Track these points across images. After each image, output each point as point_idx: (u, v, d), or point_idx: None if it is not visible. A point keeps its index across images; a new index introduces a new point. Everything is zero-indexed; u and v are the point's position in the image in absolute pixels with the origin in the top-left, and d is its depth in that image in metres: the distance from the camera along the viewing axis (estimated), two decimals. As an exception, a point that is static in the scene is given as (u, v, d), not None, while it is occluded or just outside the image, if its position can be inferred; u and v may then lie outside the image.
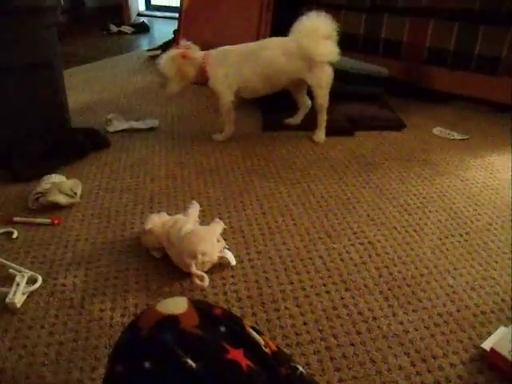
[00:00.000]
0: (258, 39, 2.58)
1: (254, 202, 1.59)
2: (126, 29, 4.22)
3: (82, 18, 4.41)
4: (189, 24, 2.76)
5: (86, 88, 2.74)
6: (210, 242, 1.23)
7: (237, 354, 0.57)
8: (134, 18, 4.67)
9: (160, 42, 3.50)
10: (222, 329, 0.60)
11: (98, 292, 1.19)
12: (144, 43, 3.98)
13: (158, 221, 1.31)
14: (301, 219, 1.49)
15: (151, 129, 2.15)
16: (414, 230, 1.44)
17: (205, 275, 1.19)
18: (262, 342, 0.62)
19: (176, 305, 0.61)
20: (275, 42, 1.94)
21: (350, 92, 2.32)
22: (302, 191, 1.65)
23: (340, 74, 2.23)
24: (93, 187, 1.67)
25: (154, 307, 0.61)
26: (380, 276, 1.25)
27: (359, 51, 2.63)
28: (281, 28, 2.62)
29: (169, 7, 4.98)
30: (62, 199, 1.52)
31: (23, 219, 1.49)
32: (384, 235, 1.42)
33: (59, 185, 1.55)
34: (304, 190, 1.66)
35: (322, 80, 1.92)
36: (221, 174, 1.77)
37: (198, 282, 1.17)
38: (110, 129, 2.10)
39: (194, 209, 1.40)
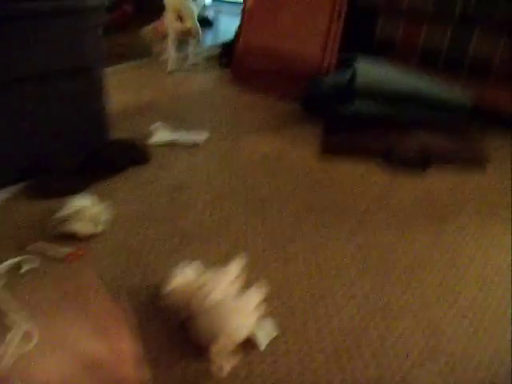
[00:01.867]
0: (325, 48, 2.34)
1: (300, 254, 1.34)
2: (189, 22, 4.03)
3: (146, 9, 4.27)
4: (251, 26, 2.53)
5: (137, 87, 2.58)
6: (238, 319, 1.01)
7: None
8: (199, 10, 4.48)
9: (223, 38, 3.29)
10: None
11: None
12: (206, 39, 3.79)
13: (182, 280, 1.10)
14: (355, 284, 1.24)
15: (197, 144, 1.95)
16: (489, 320, 1.15)
17: (225, 364, 0.97)
18: None
19: None
20: None
21: (426, 119, 2.02)
22: (358, 246, 1.39)
23: (418, 99, 1.96)
24: (120, 213, 1.49)
25: None
26: (444, 381, 0.99)
27: (439, 70, 2.30)
28: (352, 40, 2.37)
29: (236, 2, 4.76)
30: (81, 229, 1.35)
31: (36, 248, 1.33)
32: (451, 323, 1.14)
33: (82, 211, 1.38)
34: (360, 245, 1.39)
35: None
36: (267, 212, 1.53)
37: (215, 369, 0.96)
38: (152, 140, 1.92)
39: (234, 267, 1.16)
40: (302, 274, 1.27)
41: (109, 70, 1.83)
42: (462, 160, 1.87)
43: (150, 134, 1.94)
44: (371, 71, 1.98)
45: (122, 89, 2.50)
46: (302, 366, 1.01)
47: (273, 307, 1.14)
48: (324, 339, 1.07)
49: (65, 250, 1.31)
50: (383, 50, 2.42)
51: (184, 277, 1.11)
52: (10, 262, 1.27)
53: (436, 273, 1.30)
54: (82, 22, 1.49)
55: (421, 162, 1.83)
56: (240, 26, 2.61)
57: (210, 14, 4.22)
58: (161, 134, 1.94)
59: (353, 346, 1.06)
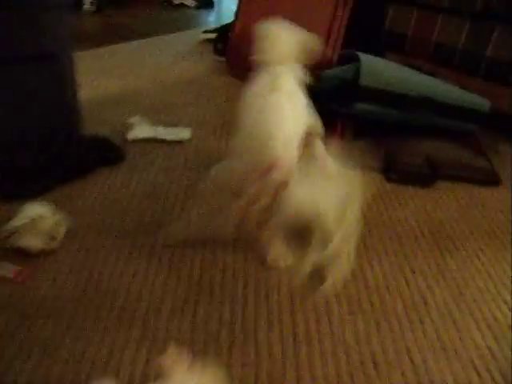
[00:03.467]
0: (328, 38, 2.13)
1: (283, 290, 1.17)
2: (189, 2, 3.81)
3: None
4: (248, 10, 2.32)
5: (122, 72, 2.37)
6: None
7: None
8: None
9: (226, 20, 3.07)
10: None
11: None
12: (207, 20, 3.58)
13: None
14: (342, 328, 1.06)
15: (179, 141, 1.76)
16: (501, 375, 0.98)
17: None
18: None
19: None
20: None
21: (435, 127, 1.82)
22: (351, 277, 1.21)
23: (426, 103, 1.76)
24: (82, 224, 1.31)
25: None
26: None
27: (454, 69, 2.10)
28: (358, 33, 2.15)
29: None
30: (35, 245, 1.18)
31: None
32: (456, 380, 0.97)
33: (37, 223, 1.20)
34: (354, 275, 1.21)
35: None
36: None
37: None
38: (130, 136, 1.73)
39: None
40: (283, 314, 1.10)
41: (95, 52, 1.63)
42: (473, 175, 1.68)
43: (127, 129, 1.75)
44: (377, 69, 1.78)
45: (106, 74, 2.30)
46: None
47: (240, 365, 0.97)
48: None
49: (10, 272, 1.14)
50: (391, 47, 2.22)
51: None
52: None
53: (437, 310, 1.13)
54: (42, 1, 1.29)
55: (426, 177, 1.64)
56: (237, 10, 2.39)
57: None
58: (140, 129, 1.75)
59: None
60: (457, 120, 1.81)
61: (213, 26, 3.18)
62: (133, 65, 2.50)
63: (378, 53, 2.01)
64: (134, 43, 2.84)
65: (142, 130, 1.75)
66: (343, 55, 2.03)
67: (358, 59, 1.78)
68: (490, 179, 1.68)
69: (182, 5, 3.83)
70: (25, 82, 1.39)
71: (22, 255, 1.18)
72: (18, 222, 1.21)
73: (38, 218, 1.22)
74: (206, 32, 2.96)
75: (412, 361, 1.00)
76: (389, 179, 1.64)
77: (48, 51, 1.38)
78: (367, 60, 1.77)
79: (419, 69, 1.95)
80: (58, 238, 1.22)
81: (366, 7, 2.16)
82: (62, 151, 1.47)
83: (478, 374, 0.98)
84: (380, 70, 1.78)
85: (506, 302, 1.17)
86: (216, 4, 3.98)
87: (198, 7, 3.84)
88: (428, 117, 1.77)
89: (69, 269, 1.17)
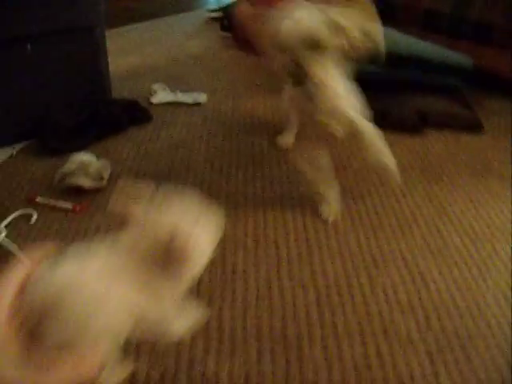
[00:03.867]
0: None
1: (297, 208, 1.40)
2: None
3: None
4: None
5: (137, 50, 2.58)
6: None
7: None
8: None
9: (226, 1, 3.27)
10: None
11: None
12: (209, 1, 3.76)
13: None
14: (346, 237, 1.29)
15: (198, 104, 1.98)
16: (478, 269, 1.21)
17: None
18: None
19: None
20: None
21: (424, 82, 2.03)
22: (352, 200, 1.44)
23: (415, 61, 1.97)
24: (123, 169, 1.54)
25: None
26: (427, 324, 1.05)
27: (443, 33, 2.30)
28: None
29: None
30: (87, 183, 1.40)
31: (46, 201, 1.39)
32: (441, 271, 1.20)
33: (86, 166, 1.43)
34: (355, 199, 1.44)
35: None
36: (264, 168, 1.58)
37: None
38: (154, 100, 1.95)
39: None
40: (297, 227, 1.33)
41: (108, 33, 1.84)
42: (458, 122, 1.90)
43: (151, 94, 1.98)
44: (370, 33, 1.99)
45: (123, 52, 2.51)
46: (284, 318, 1.08)
47: (263, 262, 1.21)
48: (308, 293, 1.12)
49: (69, 205, 1.37)
50: (383, 16, 2.41)
51: None
52: (20, 211, 1.33)
53: (427, 225, 1.35)
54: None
55: (417, 124, 1.86)
56: (242, -14, 2.59)
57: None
58: (162, 94, 1.97)
59: (335, 300, 1.11)
60: (442, 76, 2.03)
61: (217, 5, 3.37)
62: (146, 44, 2.70)
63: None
64: (144, 24, 3.03)
65: (164, 95, 1.97)
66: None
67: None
68: (474, 125, 1.89)
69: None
70: (65, 51, 1.61)
71: (76, 193, 1.41)
72: (69, 166, 1.44)
73: (87, 162, 1.45)
74: (211, 11, 3.16)
75: (404, 259, 1.23)
76: (383, 127, 1.85)
77: (85, 24, 1.60)
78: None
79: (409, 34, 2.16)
80: (105, 178, 1.44)
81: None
82: (97, 112, 1.69)
83: (458, 268, 1.21)
84: (373, 33, 1.99)
85: (482, 217, 1.39)
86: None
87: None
88: (415, 73, 1.99)
89: (116, 203, 1.40)
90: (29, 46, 1.52)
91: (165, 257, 0.60)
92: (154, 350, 0.97)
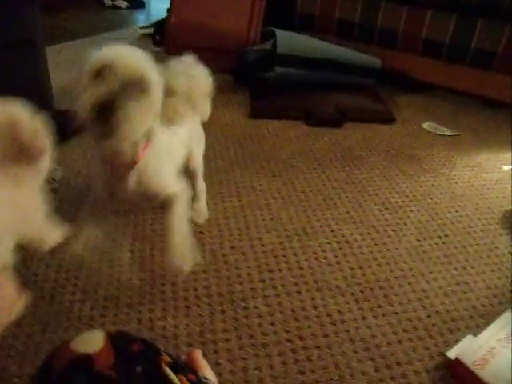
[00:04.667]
0: (250, 24, 2.54)
1: (233, 193, 1.57)
2: (121, 3, 4.10)
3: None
4: (181, 3, 2.69)
5: (73, 66, 2.68)
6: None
7: None
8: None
9: (156, 19, 3.42)
10: (138, 369, 0.56)
11: (69, 283, 1.18)
12: (139, 19, 3.90)
13: None
14: (278, 214, 1.48)
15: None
16: (393, 230, 1.43)
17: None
18: (178, 383, 0.61)
19: (91, 342, 0.57)
20: None
21: (341, 82, 2.28)
22: (282, 184, 1.63)
23: (332, 64, 2.21)
24: (73, 173, 1.64)
25: (67, 345, 0.57)
26: (353, 277, 1.24)
27: (354, 39, 2.57)
28: (276, 13, 2.59)
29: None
30: (39, 184, 1.50)
31: None
32: (362, 234, 1.40)
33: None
34: (285, 183, 1.63)
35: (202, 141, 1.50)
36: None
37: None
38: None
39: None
40: (236, 208, 1.50)
41: (48, 49, 1.94)
42: (374, 116, 2.15)
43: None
44: (290, 40, 2.22)
45: (59, 68, 2.59)
46: (230, 280, 1.24)
47: (207, 236, 1.37)
48: (248, 260, 1.29)
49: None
50: (303, 25, 2.66)
51: None
52: None
53: (349, 201, 1.56)
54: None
55: (337, 120, 2.09)
56: (170, 4, 2.75)
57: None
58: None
59: (272, 262, 1.28)
60: (356, 76, 2.29)
61: (147, 23, 3.51)
62: (81, 60, 2.78)
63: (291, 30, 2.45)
64: (77, 42, 3.12)
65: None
66: (263, 32, 2.46)
67: (274, 34, 2.21)
68: (387, 118, 2.15)
69: (114, 6, 4.11)
70: (8, 64, 1.69)
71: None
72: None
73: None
74: (143, 28, 3.29)
75: (330, 227, 1.43)
76: (308, 124, 2.07)
77: (26, 37, 1.69)
78: (281, 33, 2.21)
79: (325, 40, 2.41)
80: (57, 180, 1.55)
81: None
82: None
83: (376, 231, 1.42)
84: (292, 40, 2.23)
85: (395, 191, 1.62)
86: (146, 4, 4.29)
87: (129, 7, 4.12)
88: (332, 75, 2.23)
89: (69, 200, 1.51)
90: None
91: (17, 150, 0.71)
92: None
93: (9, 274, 0.71)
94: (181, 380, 0.61)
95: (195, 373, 0.68)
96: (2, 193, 0.69)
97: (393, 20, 2.44)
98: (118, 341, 0.59)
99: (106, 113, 0.83)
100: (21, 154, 0.71)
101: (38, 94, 1.80)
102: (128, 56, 0.89)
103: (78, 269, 1.22)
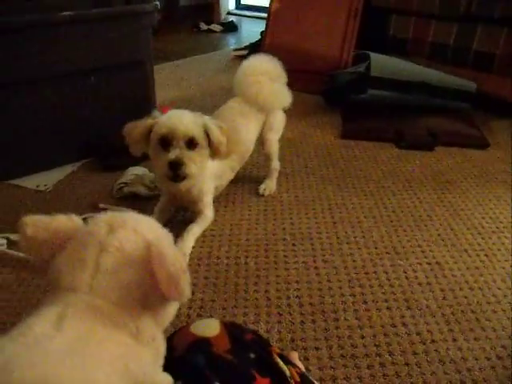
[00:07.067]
0: (343, 47, 2.60)
1: (325, 210, 1.61)
2: (215, 27, 4.34)
3: (174, 16, 4.58)
4: (276, 26, 2.81)
5: (173, 85, 2.87)
6: None
7: (264, 383, 0.58)
8: (223, 16, 4.80)
9: (247, 41, 3.58)
10: (252, 355, 0.60)
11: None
12: (232, 42, 4.08)
13: None
14: (370, 232, 1.50)
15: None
16: (486, 255, 1.40)
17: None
18: (288, 372, 0.63)
19: (209, 327, 0.62)
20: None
21: (434, 106, 2.27)
22: (374, 204, 1.65)
23: (425, 87, 2.21)
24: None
25: (188, 328, 0.63)
26: (444, 298, 1.24)
27: (446, 62, 2.55)
28: (368, 36, 2.64)
29: (258, 7, 5.06)
30: (143, 191, 1.63)
31: (107, 206, 1.61)
32: (453, 257, 1.39)
33: (141, 177, 1.67)
34: (376, 203, 1.65)
35: (273, 123, 1.72)
36: (296, 179, 1.80)
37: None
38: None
39: None
40: (328, 223, 1.54)
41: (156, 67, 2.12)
42: (467, 140, 2.11)
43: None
44: (384, 63, 2.25)
45: (161, 87, 2.79)
46: (321, 292, 1.27)
47: (299, 249, 1.42)
48: (340, 274, 1.32)
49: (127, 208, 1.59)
50: (395, 48, 2.68)
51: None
52: (87, 215, 1.55)
53: (440, 222, 1.56)
54: (139, 23, 1.78)
55: (429, 143, 2.08)
56: (266, 27, 2.88)
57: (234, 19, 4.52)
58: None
59: (363, 278, 1.30)
60: (449, 99, 2.26)
61: (239, 45, 3.69)
62: (180, 79, 2.98)
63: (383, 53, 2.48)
64: (176, 63, 3.34)
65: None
66: (356, 55, 2.50)
67: (368, 57, 2.25)
68: (481, 143, 2.11)
69: (209, 30, 4.35)
70: (121, 82, 1.87)
71: (132, 200, 1.63)
72: (127, 177, 1.67)
73: (141, 174, 1.68)
74: (236, 50, 3.46)
75: (421, 248, 1.43)
76: (399, 146, 2.08)
77: (139, 59, 1.87)
78: (375, 56, 2.25)
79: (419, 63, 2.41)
80: (158, 187, 1.67)
81: (372, 18, 2.64)
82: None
83: (468, 255, 1.40)
84: (386, 63, 2.26)
85: (488, 216, 1.59)
86: (238, 28, 4.50)
87: (222, 31, 4.35)
88: (425, 98, 2.23)
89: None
90: (92, 79, 1.78)
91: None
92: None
93: None
94: (289, 370, 0.66)
95: (299, 368, 0.73)
96: (109, 351, 0.49)
97: (490, 43, 2.39)
98: (233, 329, 0.65)
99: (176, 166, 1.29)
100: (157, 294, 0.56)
101: (144, 108, 1.96)
102: (183, 124, 1.29)
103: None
